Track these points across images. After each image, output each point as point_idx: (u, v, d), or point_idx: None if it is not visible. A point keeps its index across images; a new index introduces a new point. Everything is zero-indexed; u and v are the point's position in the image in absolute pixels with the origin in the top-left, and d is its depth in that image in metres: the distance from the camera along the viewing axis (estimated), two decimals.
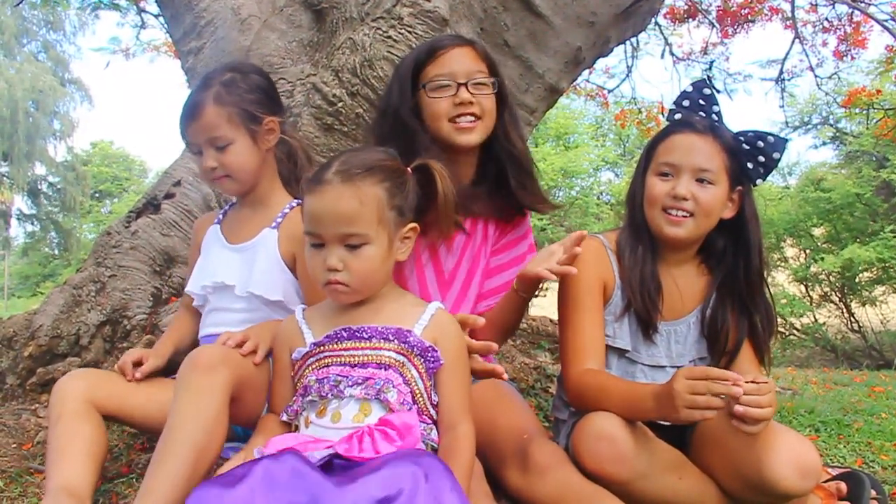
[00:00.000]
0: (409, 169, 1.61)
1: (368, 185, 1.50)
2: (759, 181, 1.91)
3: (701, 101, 1.94)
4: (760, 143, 1.88)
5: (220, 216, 2.17)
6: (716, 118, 1.92)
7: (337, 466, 1.38)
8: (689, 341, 1.97)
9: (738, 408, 1.50)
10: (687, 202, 1.83)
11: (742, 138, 1.89)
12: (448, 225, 1.66)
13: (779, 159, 1.89)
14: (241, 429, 1.84)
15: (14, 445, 2.18)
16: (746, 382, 1.51)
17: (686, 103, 1.95)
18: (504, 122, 2.05)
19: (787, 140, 1.89)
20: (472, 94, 1.97)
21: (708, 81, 2.00)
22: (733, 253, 1.94)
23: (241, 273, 1.98)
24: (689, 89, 1.97)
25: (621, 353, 1.95)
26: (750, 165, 1.89)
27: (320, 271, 1.52)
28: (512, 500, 1.78)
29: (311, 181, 1.54)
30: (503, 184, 2.08)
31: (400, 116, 2.00)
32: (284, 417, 1.58)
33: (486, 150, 2.06)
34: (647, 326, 1.93)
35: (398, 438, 1.42)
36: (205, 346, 1.70)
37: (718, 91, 1.99)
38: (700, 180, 1.84)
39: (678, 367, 1.93)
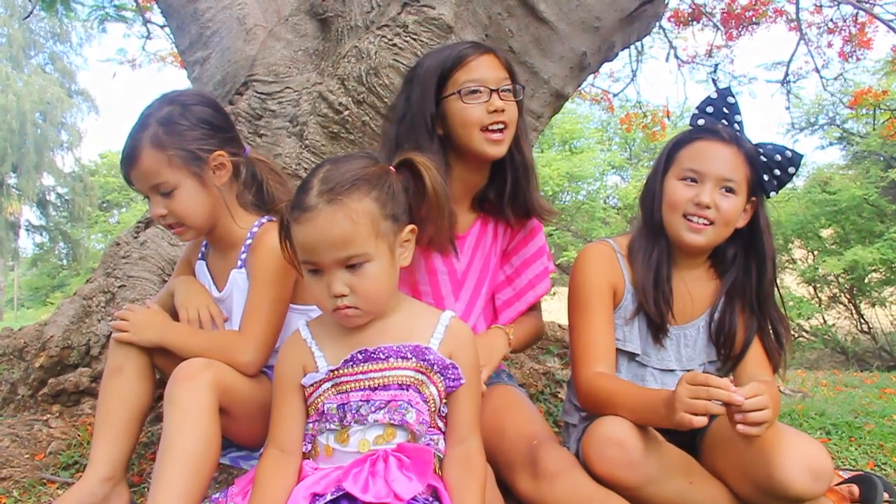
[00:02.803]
0: (391, 168, 1.52)
1: (356, 201, 1.40)
2: (772, 194, 1.92)
3: (725, 110, 1.94)
4: (778, 157, 1.89)
5: (203, 248, 2.05)
6: (737, 128, 1.92)
7: None
8: (699, 345, 1.97)
9: (738, 416, 1.50)
10: (709, 210, 1.83)
11: (761, 150, 1.89)
12: (442, 219, 1.57)
13: (793, 174, 1.90)
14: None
15: (27, 456, 2.19)
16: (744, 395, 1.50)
17: (710, 110, 1.95)
18: (518, 130, 2.04)
19: (802, 156, 1.90)
20: (502, 100, 1.96)
21: (730, 90, 1.99)
22: (744, 261, 1.95)
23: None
24: (714, 96, 1.97)
25: (631, 356, 1.95)
26: (766, 178, 1.90)
27: (325, 298, 1.43)
28: None
29: (295, 208, 1.42)
30: (511, 189, 2.08)
31: (420, 121, 1.97)
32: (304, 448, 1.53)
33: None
34: (657, 330, 1.93)
35: (412, 468, 1.41)
36: (186, 362, 1.65)
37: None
38: (723, 189, 1.84)
39: (688, 371, 1.94)
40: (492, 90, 1.95)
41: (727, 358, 1.96)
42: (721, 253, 1.97)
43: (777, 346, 1.95)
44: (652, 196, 1.94)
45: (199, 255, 2.05)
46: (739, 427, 1.51)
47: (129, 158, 1.84)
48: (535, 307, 2.24)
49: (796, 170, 1.90)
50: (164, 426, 1.58)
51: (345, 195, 1.40)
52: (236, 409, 1.69)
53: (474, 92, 1.94)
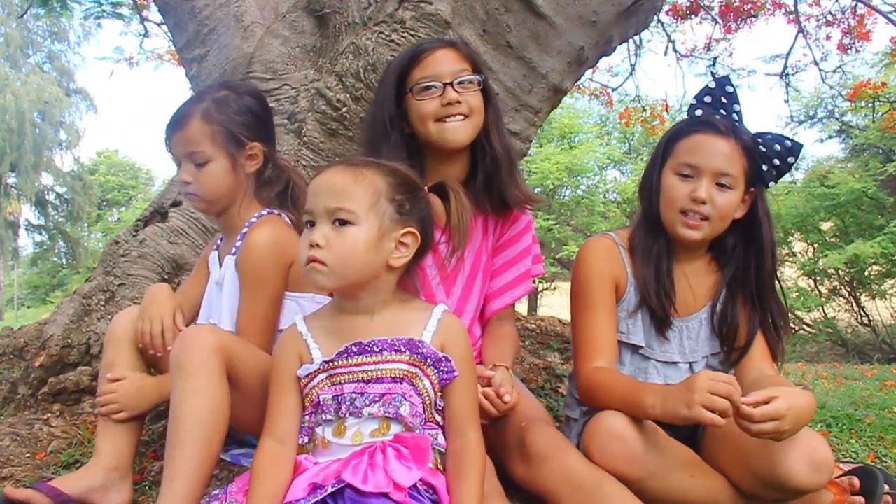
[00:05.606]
0: (425, 188, 1.59)
1: (370, 172, 1.50)
2: (771, 184, 1.91)
3: (723, 99, 1.93)
4: (777, 147, 1.87)
5: (219, 241, 2.11)
6: (736, 118, 1.91)
7: (348, 498, 1.39)
8: (702, 337, 1.98)
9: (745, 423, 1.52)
10: (705, 206, 1.82)
11: (760, 141, 1.88)
12: (457, 246, 1.63)
13: (793, 163, 1.89)
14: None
15: (27, 455, 2.19)
16: (756, 405, 1.51)
17: (708, 99, 1.94)
18: (486, 121, 2.05)
19: (801, 145, 1.89)
20: (458, 92, 1.97)
21: (729, 79, 1.98)
22: (744, 251, 1.95)
23: (219, 308, 1.95)
24: (713, 85, 1.96)
25: (635, 349, 1.95)
26: (765, 168, 1.88)
27: (303, 248, 1.48)
28: (524, 498, 1.78)
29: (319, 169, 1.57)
30: (484, 181, 2.08)
31: (379, 121, 2.02)
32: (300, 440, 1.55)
33: (474, 147, 2.06)
34: (661, 323, 1.93)
35: (410, 459, 1.43)
36: (192, 327, 1.67)
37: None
38: (719, 184, 1.83)
39: (691, 363, 1.95)
40: (445, 84, 1.97)
41: (731, 350, 1.96)
42: (721, 244, 1.96)
43: (776, 337, 1.95)
44: (650, 188, 1.94)
45: (215, 246, 2.10)
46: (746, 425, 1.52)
47: (178, 122, 1.95)
48: (507, 314, 2.19)
49: (796, 159, 1.89)
50: (172, 393, 1.59)
51: (362, 165, 1.53)
52: (241, 380, 1.68)
53: (427, 88, 1.98)
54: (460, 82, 1.98)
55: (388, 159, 1.85)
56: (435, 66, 1.99)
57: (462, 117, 1.98)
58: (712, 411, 1.50)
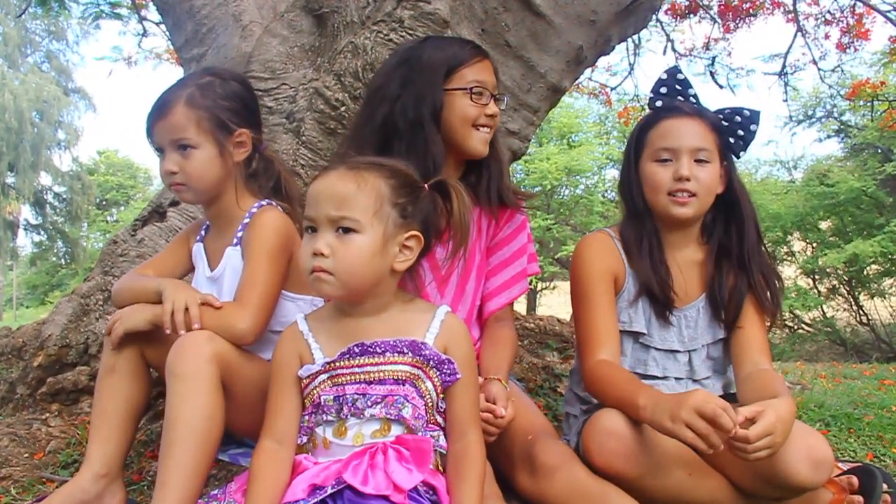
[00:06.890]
0: (426, 186, 1.56)
1: (372, 176, 1.47)
2: (741, 154, 1.99)
3: (677, 87, 2.01)
4: (738, 118, 1.96)
5: (203, 231, 2.05)
6: (694, 101, 1.99)
7: (347, 499, 1.39)
8: (701, 325, 1.99)
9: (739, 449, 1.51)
10: (690, 183, 1.88)
11: (721, 116, 1.97)
12: (459, 244, 1.64)
13: (755, 131, 1.97)
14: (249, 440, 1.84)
15: (26, 455, 2.19)
16: (746, 422, 1.50)
17: (664, 90, 2.02)
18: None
19: (759, 112, 1.98)
20: (496, 106, 2.01)
21: (678, 67, 2.06)
22: (725, 225, 1.99)
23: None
24: (664, 77, 2.04)
25: (636, 338, 1.97)
26: (731, 140, 1.96)
27: (307, 257, 1.46)
28: (523, 502, 1.78)
29: (319, 171, 1.53)
30: (486, 185, 2.10)
31: (428, 109, 1.96)
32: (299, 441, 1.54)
33: None
34: (662, 307, 1.96)
35: (411, 460, 1.43)
36: (189, 334, 1.64)
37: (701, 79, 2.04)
38: (698, 160, 1.89)
39: (690, 352, 1.98)
40: (491, 94, 2.00)
41: (728, 325, 1.98)
42: (703, 224, 2.01)
43: (771, 300, 1.97)
44: (630, 183, 1.99)
45: (198, 237, 2.05)
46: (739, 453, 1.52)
47: (161, 110, 1.88)
48: (506, 314, 2.17)
49: (757, 126, 1.97)
50: (167, 399, 1.58)
51: (364, 168, 1.49)
52: (237, 389, 1.68)
53: (482, 94, 1.99)
54: (497, 97, 2.03)
55: (417, 152, 1.88)
56: (486, 74, 2.01)
57: (489, 130, 2.02)
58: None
